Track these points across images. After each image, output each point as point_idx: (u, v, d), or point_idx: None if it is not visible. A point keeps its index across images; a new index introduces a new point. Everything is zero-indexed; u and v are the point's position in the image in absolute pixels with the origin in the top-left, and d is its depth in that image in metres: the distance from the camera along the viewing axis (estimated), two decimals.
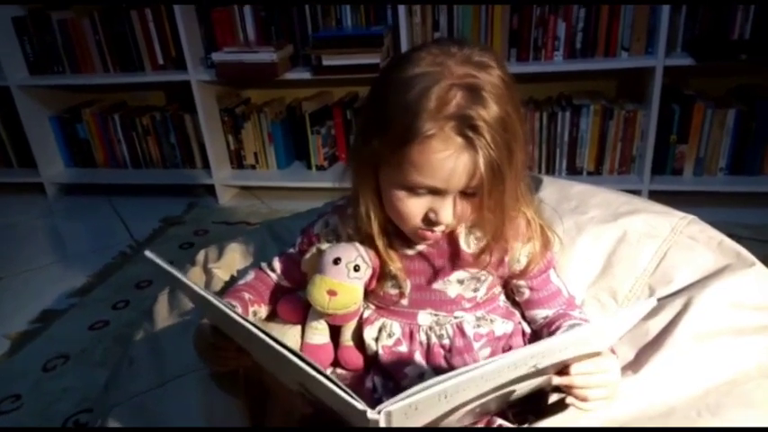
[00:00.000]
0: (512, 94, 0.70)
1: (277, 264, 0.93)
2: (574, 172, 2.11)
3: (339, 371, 0.90)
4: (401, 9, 1.98)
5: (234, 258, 1.15)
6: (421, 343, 0.84)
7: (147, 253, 0.66)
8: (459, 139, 0.66)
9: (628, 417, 0.76)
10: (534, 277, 0.85)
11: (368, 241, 0.82)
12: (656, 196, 1.81)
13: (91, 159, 2.60)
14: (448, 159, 0.67)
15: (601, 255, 1.01)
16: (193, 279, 1.08)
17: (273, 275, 0.93)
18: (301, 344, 0.89)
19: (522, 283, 0.86)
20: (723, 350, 0.82)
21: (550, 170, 2.13)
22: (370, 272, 0.82)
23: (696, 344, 0.83)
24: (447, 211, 0.71)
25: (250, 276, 0.93)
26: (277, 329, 0.91)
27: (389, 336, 0.84)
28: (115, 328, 1.59)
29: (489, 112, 0.66)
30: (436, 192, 0.71)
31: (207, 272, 1.10)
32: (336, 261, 0.81)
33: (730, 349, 0.82)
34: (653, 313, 0.89)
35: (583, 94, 2.12)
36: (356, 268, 0.80)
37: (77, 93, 2.61)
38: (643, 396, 0.78)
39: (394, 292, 0.84)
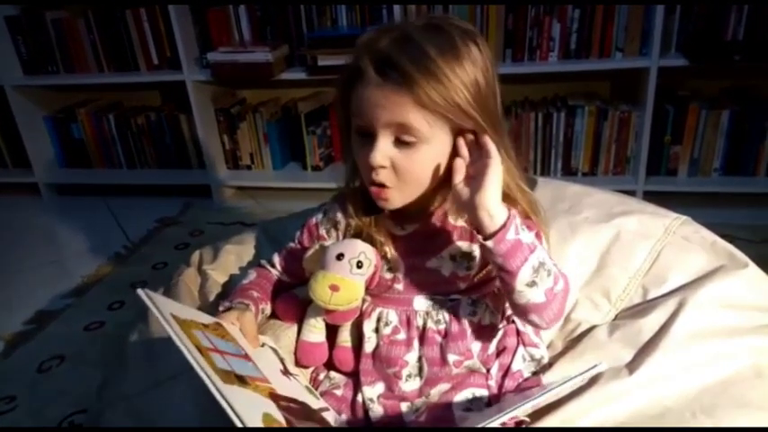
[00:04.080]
0: (465, 55, 0.72)
1: (277, 259, 0.95)
2: (569, 173, 2.12)
3: (333, 373, 0.90)
4: (396, 9, 1.98)
5: (229, 260, 1.15)
6: (417, 328, 0.84)
7: (139, 291, 0.69)
8: (375, 76, 0.71)
9: (624, 417, 0.77)
10: None
11: (363, 228, 0.84)
12: (650, 197, 1.81)
13: (86, 159, 2.58)
14: (364, 92, 0.72)
15: (594, 255, 1.02)
16: (188, 280, 1.08)
17: (274, 271, 0.95)
18: (297, 341, 0.90)
19: None
20: (717, 350, 0.83)
21: (545, 171, 2.13)
22: (372, 269, 0.82)
23: (690, 344, 0.83)
24: (374, 151, 0.74)
25: (253, 275, 0.94)
26: (275, 328, 0.91)
27: (386, 324, 0.85)
28: (110, 328, 1.59)
29: (417, 57, 0.69)
30: (370, 134, 0.74)
31: (201, 273, 1.10)
32: (339, 257, 0.81)
33: (724, 349, 0.83)
34: (646, 313, 0.89)
35: (577, 95, 2.12)
36: (359, 264, 0.81)
37: (72, 93, 2.60)
38: (638, 397, 0.79)
39: (388, 276, 0.85)
